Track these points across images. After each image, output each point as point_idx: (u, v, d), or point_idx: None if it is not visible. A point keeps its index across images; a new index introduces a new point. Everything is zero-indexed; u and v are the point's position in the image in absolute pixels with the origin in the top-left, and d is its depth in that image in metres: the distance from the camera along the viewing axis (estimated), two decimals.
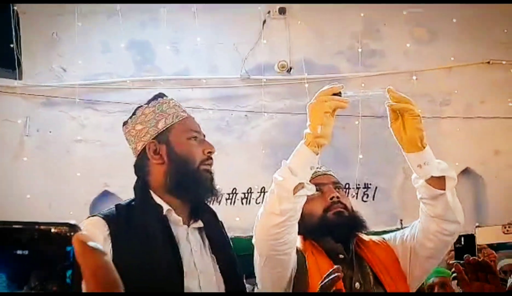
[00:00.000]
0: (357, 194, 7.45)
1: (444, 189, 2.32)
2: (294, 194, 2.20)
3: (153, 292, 2.07)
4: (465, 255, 2.11)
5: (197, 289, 2.17)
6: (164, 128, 2.34)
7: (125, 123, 2.43)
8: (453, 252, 3.00)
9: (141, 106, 2.40)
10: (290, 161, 2.25)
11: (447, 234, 2.43)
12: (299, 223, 2.37)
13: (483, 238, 3.24)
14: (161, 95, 2.46)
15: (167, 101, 2.42)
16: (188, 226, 2.31)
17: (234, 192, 7.44)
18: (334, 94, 2.23)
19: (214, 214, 2.43)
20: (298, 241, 2.51)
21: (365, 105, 7.11)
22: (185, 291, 2.13)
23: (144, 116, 2.37)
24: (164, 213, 2.27)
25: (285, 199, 2.19)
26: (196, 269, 2.21)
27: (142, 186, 2.32)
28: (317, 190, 2.51)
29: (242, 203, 7.40)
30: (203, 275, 2.22)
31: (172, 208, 2.28)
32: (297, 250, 2.45)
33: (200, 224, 2.35)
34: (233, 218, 6.74)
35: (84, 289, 1.04)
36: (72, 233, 1.00)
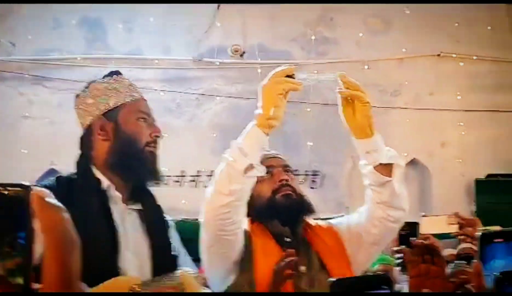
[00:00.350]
0: (305, 180, 7.48)
1: (391, 176, 2.35)
2: (244, 174, 2.20)
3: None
4: (410, 238, 2.14)
5: (127, 269, 2.16)
6: (114, 106, 2.30)
7: (77, 96, 2.38)
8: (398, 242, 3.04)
9: (95, 81, 2.36)
10: (240, 141, 2.24)
11: (392, 221, 2.47)
12: (248, 205, 2.38)
13: (427, 227, 3.29)
14: (116, 72, 2.41)
15: (122, 80, 2.37)
16: (127, 205, 2.29)
17: (182, 174, 7.42)
18: (287, 76, 2.23)
19: (153, 198, 2.40)
20: (245, 223, 2.51)
21: (317, 92, 7.13)
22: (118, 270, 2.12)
23: (96, 91, 2.33)
24: (104, 188, 2.25)
25: (235, 179, 2.19)
26: (129, 249, 2.20)
27: (84, 160, 2.29)
28: (266, 173, 2.52)
29: (190, 186, 7.40)
30: (135, 256, 2.21)
31: (113, 184, 2.26)
32: (244, 232, 2.45)
33: (138, 206, 2.33)
34: (179, 201, 6.73)
35: (39, 249, 1.03)
36: (25, 195, 1.01)
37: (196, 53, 7.60)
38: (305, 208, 2.60)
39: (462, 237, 3.38)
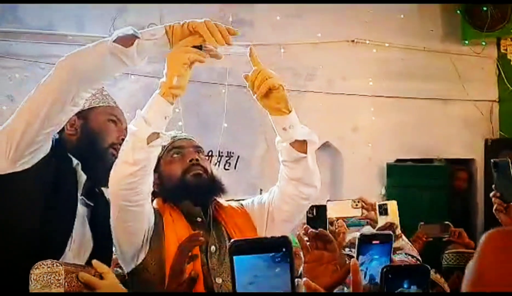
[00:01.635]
0: (219, 162, 7.50)
1: (306, 153, 2.40)
2: (148, 143, 2.19)
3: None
4: (304, 226, 2.20)
5: (67, 251, 2.18)
6: (88, 107, 2.40)
7: None
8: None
9: None
10: (144, 110, 2.24)
11: (304, 198, 2.53)
12: (159, 185, 2.39)
13: (333, 211, 3.39)
14: None
15: (100, 90, 2.48)
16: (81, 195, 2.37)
17: None
18: (195, 47, 2.24)
19: (104, 199, 2.49)
20: (156, 203, 2.52)
21: (233, 75, 7.14)
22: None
23: None
24: (74, 165, 2.33)
25: (139, 148, 2.19)
26: (72, 235, 2.23)
27: (57, 141, 2.34)
28: (177, 153, 2.54)
29: None
30: (76, 243, 2.24)
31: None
32: (155, 211, 2.46)
33: (90, 202, 2.42)
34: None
35: None
36: None
37: (111, 30, 7.46)
38: (216, 188, 2.63)
39: (365, 220, 3.50)
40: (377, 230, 3.32)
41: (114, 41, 2.19)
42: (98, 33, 7.39)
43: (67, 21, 7.49)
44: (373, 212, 3.44)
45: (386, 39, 8.07)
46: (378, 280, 1.56)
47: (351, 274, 1.41)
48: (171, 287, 2.14)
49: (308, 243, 2.01)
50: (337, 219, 3.44)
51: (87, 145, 2.35)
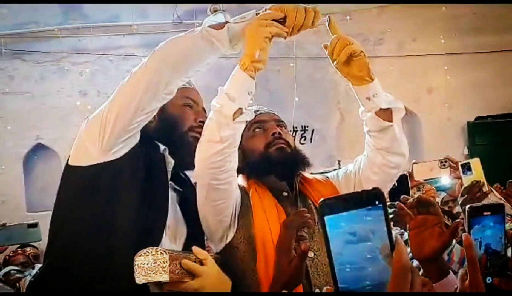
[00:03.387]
0: (294, 136, 7.46)
1: (392, 121, 2.32)
2: (233, 120, 2.16)
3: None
4: (401, 196, 2.12)
5: (163, 237, 2.19)
6: None
7: None
8: None
9: None
10: (226, 86, 2.19)
11: (393, 167, 2.44)
12: (242, 161, 2.35)
13: (420, 173, 3.28)
14: None
15: None
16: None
17: None
18: (275, 21, 2.18)
19: (191, 183, 2.43)
20: (241, 180, 2.48)
21: (299, 47, 7.07)
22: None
23: None
24: (161, 151, 2.29)
25: (225, 125, 2.14)
26: (167, 221, 2.24)
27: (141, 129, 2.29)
28: (259, 128, 2.49)
29: None
30: (171, 229, 2.24)
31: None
32: (240, 188, 2.42)
33: (178, 187, 2.37)
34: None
35: None
36: None
37: (175, 15, 7.49)
38: (300, 161, 2.57)
39: (456, 179, 3.38)
40: (463, 189, 3.20)
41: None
42: (162, 20, 7.49)
43: (132, 12, 7.54)
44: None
45: None
46: (494, 247, 1.49)
47: (464, 250, 1.32)
48: (282, 266, 2.10)
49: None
50: (424, 181, 3.33)
51: (166, 131, 2.33)
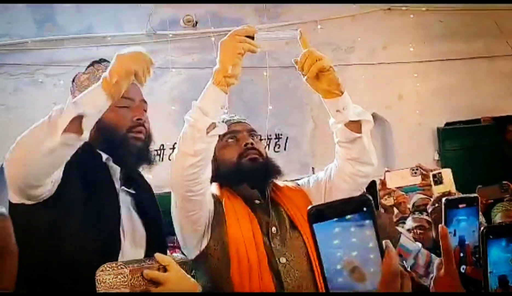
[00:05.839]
0: (268, 144, 7.51)
1: (361, 132, 2.40)
2: (207, 133, 2.22)
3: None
4: None
5: (123, 242, 2.21)
6: None
7: (71, 92, 2.41)
8: None
9: (79, 73, 2.40)
10: (199, 101, 2.25)
11: (362, 176, 2.52)
12: (215, 170, 2.41)
13: (392, 181, 3.34)
14: (99, 61, 2.43)
15: (104, 67, 2.34)
16: (120, 186, 2.34)
17: None
18: (248, 37, 2.25)
19: (147, 184, 2.50)
20: (214, 189, 2.54)
21: (272, 56, 7.14)
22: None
23: (80, 83, 2.36)
24: (104, 160, 2.30)
25: (198, 139, 2.21)
26: (123, 226, 2.25)
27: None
28: (231, 138, 2.55)
29: (155, 160, 7.35)
30: (129, 233, 2.26)
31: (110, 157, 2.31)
32: (213, 196, 2.48)
33: (131, 190, 2.39)
34: (146, 177, 6.70)
35: None
36: None
37: (148, 26, 7.52)
38: (273, 170, 2.64)
39: (424, 187, 3.46)
40: (434, 199, 3.28)
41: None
42: (136, 30, 7.51)
43: (106, 22, 7.55)
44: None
45: (422, 3, 7.97)
46: (468, 241, 1.56)
47: (440, 240, 1.40)
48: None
49: None
50: (395, 189, 3.40)
51: (105, 138, 2.32)
